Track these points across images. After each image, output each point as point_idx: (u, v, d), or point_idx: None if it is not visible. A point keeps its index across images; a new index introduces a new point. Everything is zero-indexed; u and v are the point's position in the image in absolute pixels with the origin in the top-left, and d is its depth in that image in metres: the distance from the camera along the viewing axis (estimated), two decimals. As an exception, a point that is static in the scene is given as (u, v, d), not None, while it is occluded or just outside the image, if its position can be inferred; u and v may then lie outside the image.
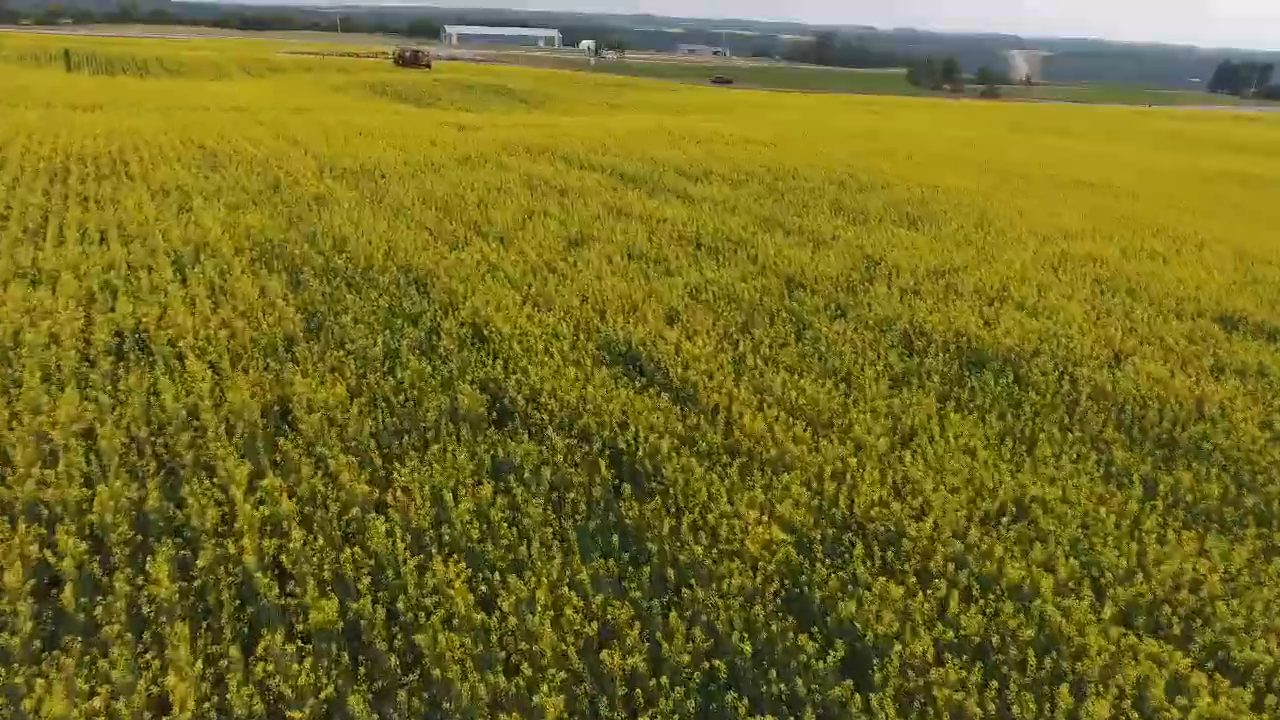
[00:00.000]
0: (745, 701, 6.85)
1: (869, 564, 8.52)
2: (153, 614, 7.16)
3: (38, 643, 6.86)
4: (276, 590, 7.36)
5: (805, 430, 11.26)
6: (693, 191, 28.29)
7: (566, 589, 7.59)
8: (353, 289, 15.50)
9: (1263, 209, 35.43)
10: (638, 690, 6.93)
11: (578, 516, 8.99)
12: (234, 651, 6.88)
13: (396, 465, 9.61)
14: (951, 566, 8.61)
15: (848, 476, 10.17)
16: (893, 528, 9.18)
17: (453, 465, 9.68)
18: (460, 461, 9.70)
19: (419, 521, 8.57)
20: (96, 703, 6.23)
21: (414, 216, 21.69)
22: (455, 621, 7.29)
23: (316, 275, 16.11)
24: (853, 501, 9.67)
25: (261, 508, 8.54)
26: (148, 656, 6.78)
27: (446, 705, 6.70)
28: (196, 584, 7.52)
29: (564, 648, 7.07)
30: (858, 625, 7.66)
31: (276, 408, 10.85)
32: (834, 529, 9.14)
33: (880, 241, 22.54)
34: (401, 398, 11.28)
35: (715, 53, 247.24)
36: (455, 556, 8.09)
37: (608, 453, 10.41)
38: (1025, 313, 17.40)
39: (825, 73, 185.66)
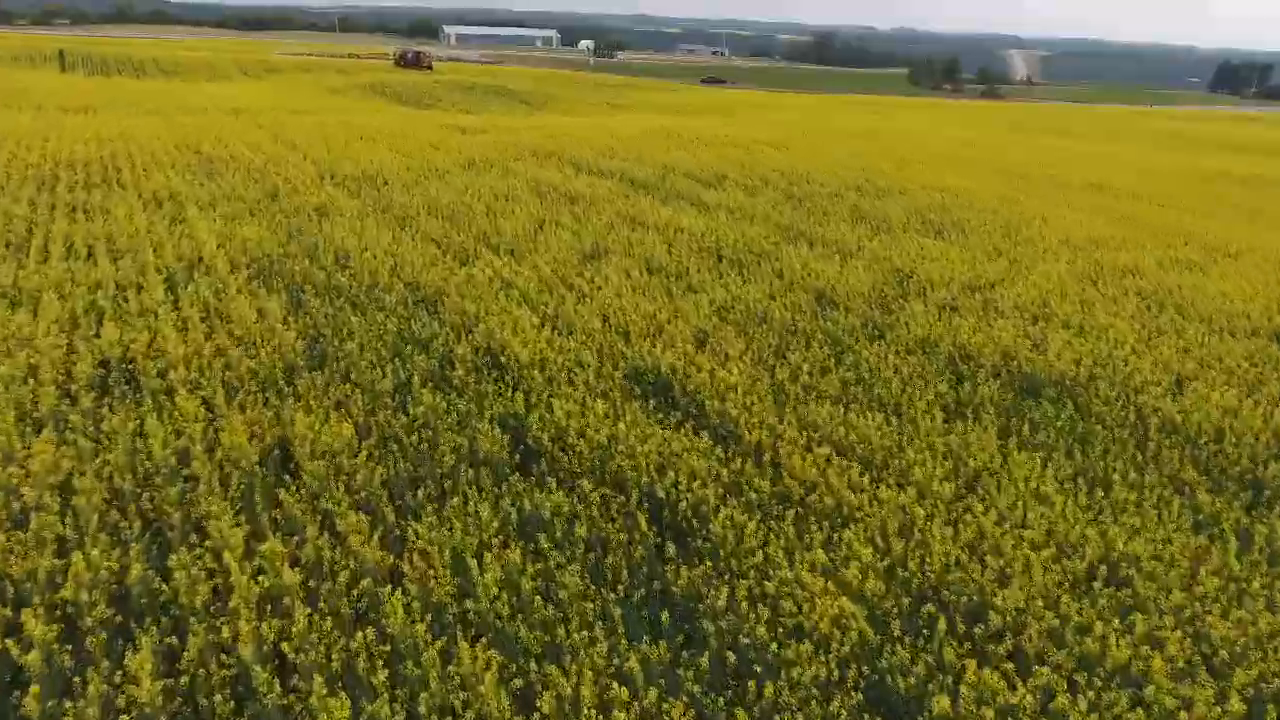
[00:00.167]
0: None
1: (955, 643, 7.46)
2: None
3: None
4: (278, 688, 6.28)
5: (860, 474, 10.20)
6: (707, 198, 27.24)
7: (615, 684, 6.50)
8: (357, 310, 14.41)
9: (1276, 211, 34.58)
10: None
11: (620, 586, 7.91)
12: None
13: (412, 523, 8.53)
14: (1048, 645, 7.55)
15: (915, 531, 9.11)
16: (975, 596, 8.12)
17: (475, 522, 8.61)
18: (484, 517, 8.63)
19: (440, 594, 7.49)
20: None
21: (419, 227, 20.61)
22: (487, 726, 6.23)
23: (318, 294, 15.03)
24: (924, 561, 8.62)
25: (260, 579, 7.47)
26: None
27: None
28: (184, 680, 6.43)
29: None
30: (953, 725, 6.61)
31: (276, 451, 9.77)
32: (909, 598, 8.06)
33: (907, 252, 21.51)
34: (414, 439, 10.19)
35: (714, 53, 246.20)
36: (483, 640, 7.02)
37: (646, 504, 9.34)
38: (1072, 332, 16.37)
39: (825, 73, 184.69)
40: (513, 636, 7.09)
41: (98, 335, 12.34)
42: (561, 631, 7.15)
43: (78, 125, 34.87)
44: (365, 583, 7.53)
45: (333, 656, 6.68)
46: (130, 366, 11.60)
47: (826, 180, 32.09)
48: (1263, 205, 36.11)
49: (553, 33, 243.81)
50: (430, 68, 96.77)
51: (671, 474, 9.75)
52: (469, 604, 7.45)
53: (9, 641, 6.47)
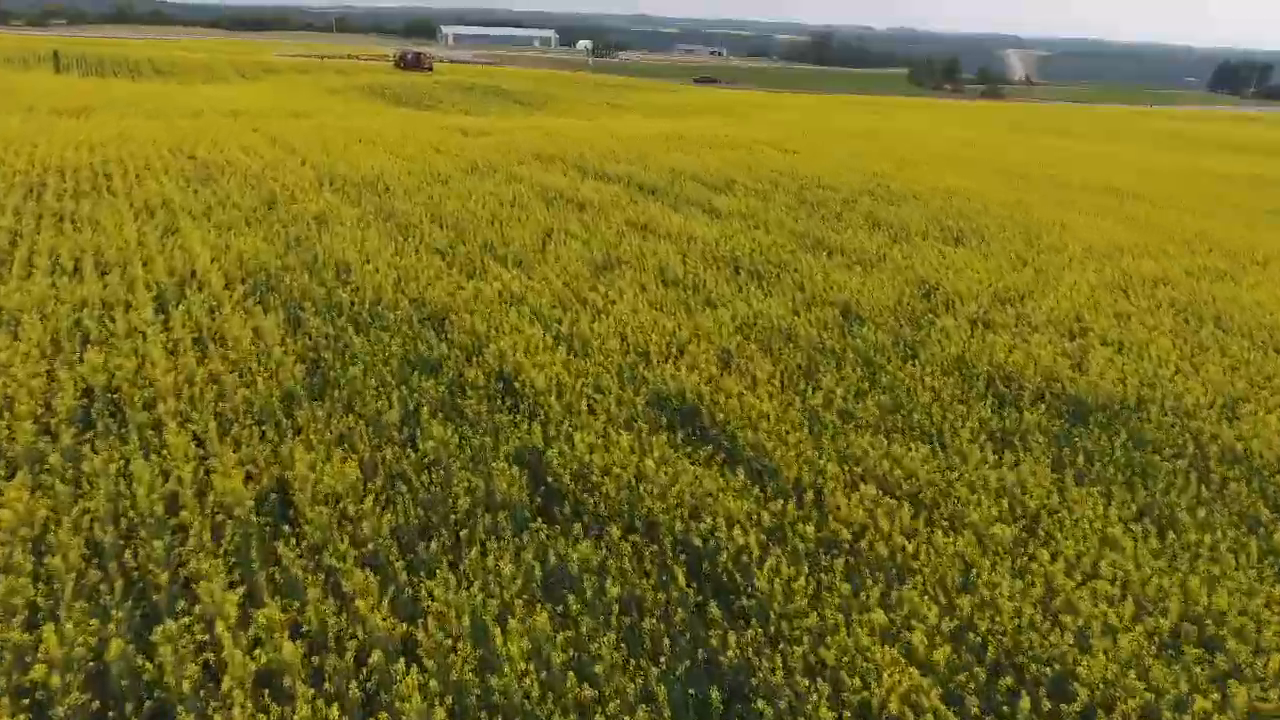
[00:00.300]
0: None
1: (1042, 724, 6.62)
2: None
3: None
4: (277, 794, 5.42)
5: (911, 516, 9.36)
6: (717, 204, 26.40)
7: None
8: (360, 330, 13.54)
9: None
10: None
11: (661, 657, 7.05)
12: None
13: (425, 580, 7.67)
14: (1145, 724, 6.71)
15: (978, 585, 8.27)
16: (1056, 665, 7.27)
17: (495, 578, 7.75)
18: (504, 573, 7.77)
19: (460, 670, 6.63)
20: None
21: (423, 237, 19.74)
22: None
23: (318, 312, 14.15)
24: (993, 621, 7.78)
25: (257, 653, 6.61)
26: None
27: None
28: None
29: None
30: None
31: (274, 494, 8.90)
32: (983, 668, 7.21)
33: (929, 261, 20.69)
34: (425, 478, 9.34)
35: (713, 53, 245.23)
36: (511, 728, 6.17)
37: (682, 554, 8.49)
38: (1112, 349, 15.56)
39: (823, 73, 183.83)
40: (544, 722, 6.24)
41: (81, 360, 11.46)
42: (600, 716, 6.29)
43: (69, 129, 33.94)
44: (375, 657, 6.67)
45: (340, 753, 5.82)
46: (115, 396, 10.73)
47: (837, 184, 31.28)
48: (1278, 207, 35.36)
49: (550, 33, 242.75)
50: (431, 69, 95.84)
51: (708, 519, 8.91)
52: (492, 680, 6.59)
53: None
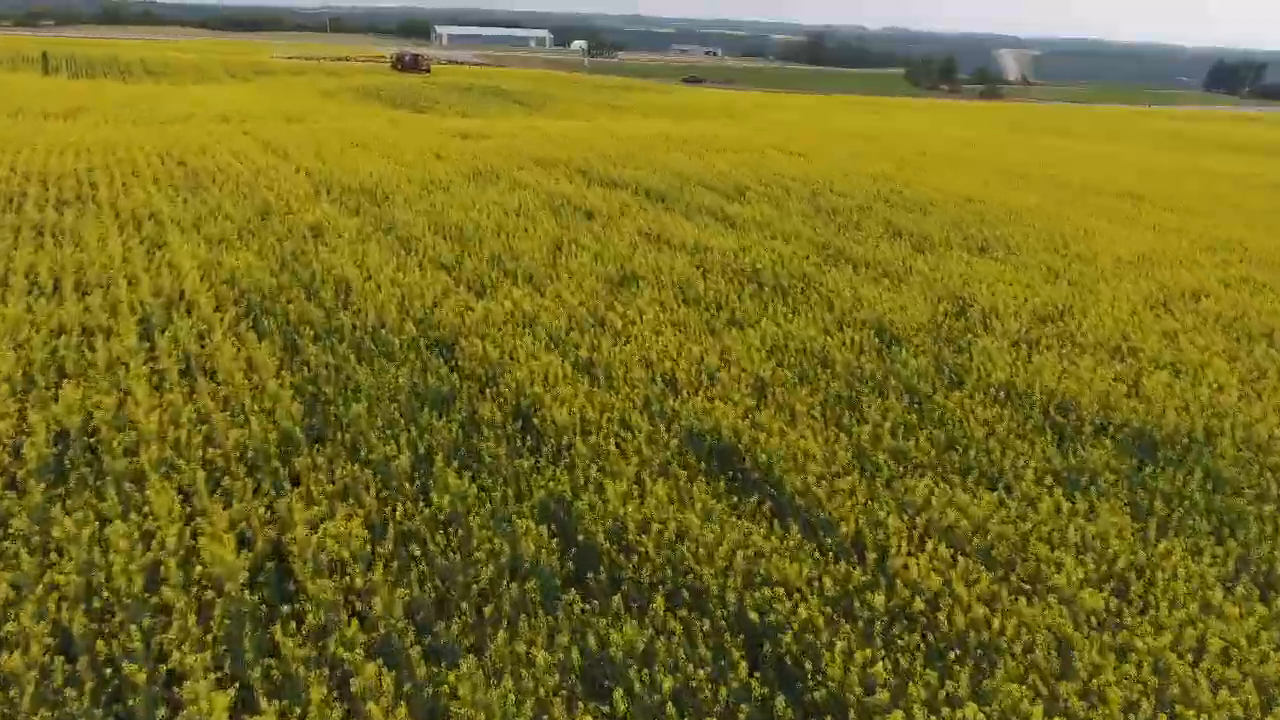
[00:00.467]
0: None
1: None
2: None
3: None
4: None
5: (989, 580, 8.32)
6: (731, 212, 25.36)
7: None
8: (363, 358, 12.45)
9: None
10: None
11: (729, 773, 6.00)
12: None
13: (449, 674, 6.60)
14: None
15: (1079, 669, 7.23)
16: (1188, 776, 6.25)
17: (528, 669, 6.68)
18: (538, 662, 6.71)
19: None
20: None
21: (426, 250, 18.65)
22: None
23: (317, 338, 13.06)
24: (1105, 717, 6.74)
25: (251, 778, 5.54)
26: None
27: None
28: None
29: None
30: None
31: (271, 562, 7.82)
32: (1103, 781, 6.18)
33: (958, 274, 19.68)
34: (440, 540, 8.27)
35: (708, 53, 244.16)
36: None
37: (738, 630, 7.43)
38: (1166, 372, 14.54)
39: (819, 73, 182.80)
40: None
41: (56, 399, 10.36)
42: None
43: (55, 133, 32.76)
44: (393, 781, 5.60)
45: None
46: (93, 440, 9.63)
47: (850, 189, 30.28)
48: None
49: (546, 33, 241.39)
50: (429, 71, 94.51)
51: (763, 587, 7.85)
52: (532, 809, 5.53)
53: None
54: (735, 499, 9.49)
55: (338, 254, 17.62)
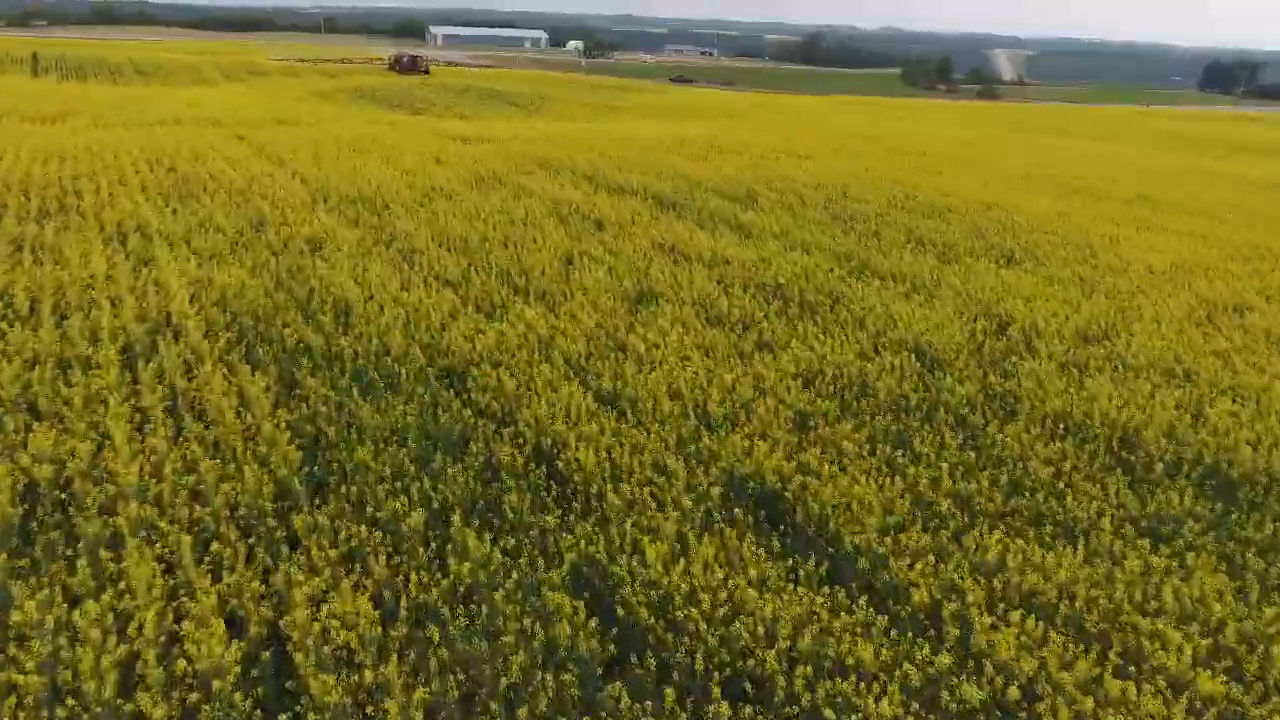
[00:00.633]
0: None
1: None
2: None
3: None
4: None
5: (1087, 661, 7.28)
6: (745, 219, 24.33)
7: None
8: (367, 393, 11.36)
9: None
10: None
11: None
12: None
13: (478, 802, 5.54)
14: None
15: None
16: None
17: (573, 794, 5.63)
18: (585, 785, 5.65)
19: None
20: None
21: (431, 265, 17.56)
22: None
23: (316, 369, 11.96)
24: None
25: None
26: None
27: None
28: None
29: None
30: None
31: (267, 651, 6.74)
32: None
33: (989, 287, 18.67)
34: (462, 618, 7.20)
35: (703, 53, 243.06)
36: None
37: (814, 735, 6.39)
38: (1226, 397, 13.58)
39: (814, 73, 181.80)
40: None
41: (24, 444, 9.27)
42: None
43: (40, 138, 31.58)
44: None
45: None
46: (65, 495, 8.55)
47: (864, 195, 29.29)
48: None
49: (541, 33, 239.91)
50: (428, 72, 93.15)
51: (835, 676, 6.80)
52: None
53: None
54: (792, 560, 8.43)
55: (336, 270, 16.53)
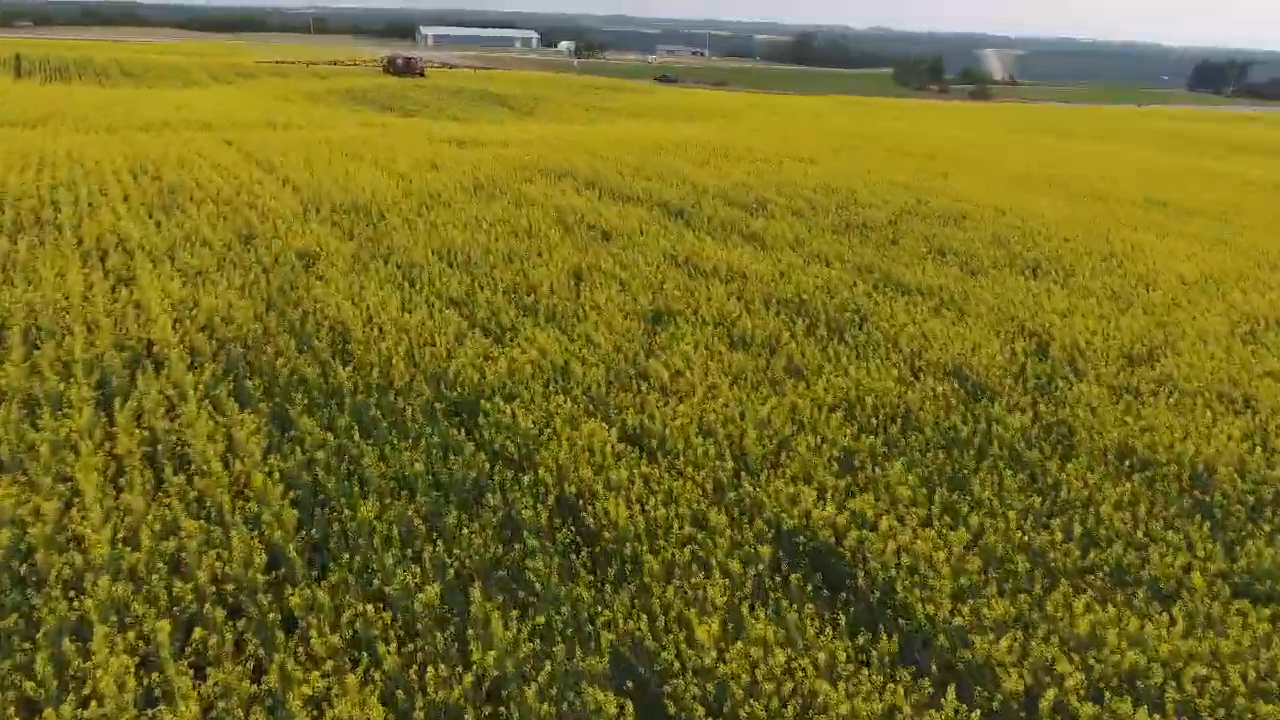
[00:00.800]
0: None
1: None
2: None
3: None
4: None
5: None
6: (756, 228, 23.32)
7: None
8: (368, 432, 10.28)
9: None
10: None
11: None
12: None
13: None
14: None
15: None
16: None
17: None
18: None
19: None
20: None
21: (432, 282, 16.48)
22: None
23: (312, 406, 10.87)
24: None
25: None
26: None
27: None
28: None
29: None
30: None
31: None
32: None
33: (1020, 301, 17.72)
34: (489, 723, 6.14)
35: (695, 53, 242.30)
36: None
37: None
38: (1293, 426, 12.61)
39: (806, 73, 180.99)
40: None
41: (-17, 505, 8.16)
42: None
43: (19, 144, 30.32)
44: None
45: None
46: (27, 571, 7.44)
47: (875, 200, 28.31)
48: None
49: (532, 33, 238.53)
50: (423, 74, 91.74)
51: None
52: None
53: None
54: (858, 638, 7.38)
55: (332, 288, 15.44)
